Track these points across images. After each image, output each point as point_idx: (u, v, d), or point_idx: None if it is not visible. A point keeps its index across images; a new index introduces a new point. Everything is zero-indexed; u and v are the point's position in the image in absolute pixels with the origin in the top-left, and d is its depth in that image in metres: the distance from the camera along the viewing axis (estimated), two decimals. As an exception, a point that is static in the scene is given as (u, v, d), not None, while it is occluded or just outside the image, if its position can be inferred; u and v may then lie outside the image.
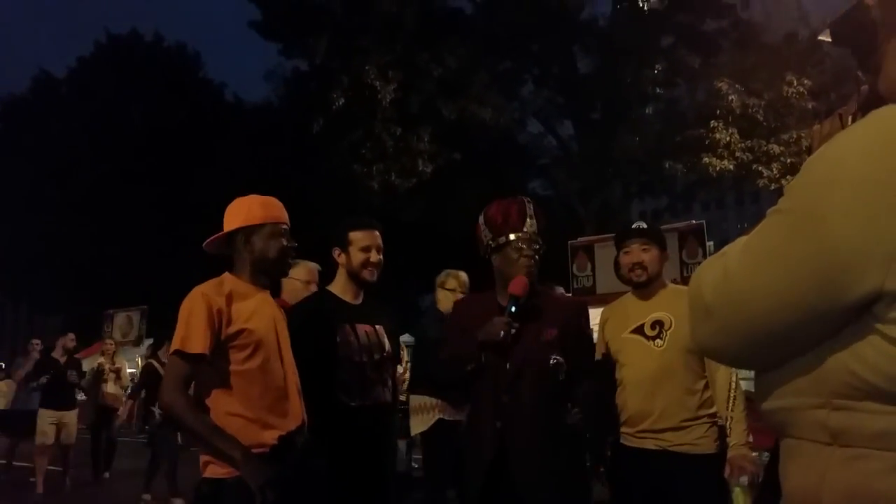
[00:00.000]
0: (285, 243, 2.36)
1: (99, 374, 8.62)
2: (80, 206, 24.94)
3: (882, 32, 0.93)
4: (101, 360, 8.93)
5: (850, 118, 0.99)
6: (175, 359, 2.14)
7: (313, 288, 3.84)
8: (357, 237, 2.81)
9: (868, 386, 0.80)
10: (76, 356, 8.40)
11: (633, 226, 2.88)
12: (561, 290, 4.06)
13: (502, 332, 2.34)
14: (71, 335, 8.35)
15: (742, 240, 0.93)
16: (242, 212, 2.36)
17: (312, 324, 2.60)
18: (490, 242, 2.53)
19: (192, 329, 2.12)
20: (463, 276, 4.36)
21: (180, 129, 25.40)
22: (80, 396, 8.66)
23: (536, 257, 2.50)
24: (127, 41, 29.26)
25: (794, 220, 0.84)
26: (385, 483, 2.75)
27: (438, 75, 16.47)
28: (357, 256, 2.79)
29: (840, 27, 1.02)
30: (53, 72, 30.07)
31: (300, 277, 3.88)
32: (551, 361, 2.39)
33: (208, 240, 2.39)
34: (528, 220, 2.49)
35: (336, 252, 2.85)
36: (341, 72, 16.22)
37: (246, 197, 2.42)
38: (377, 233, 2.85)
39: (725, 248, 0.96)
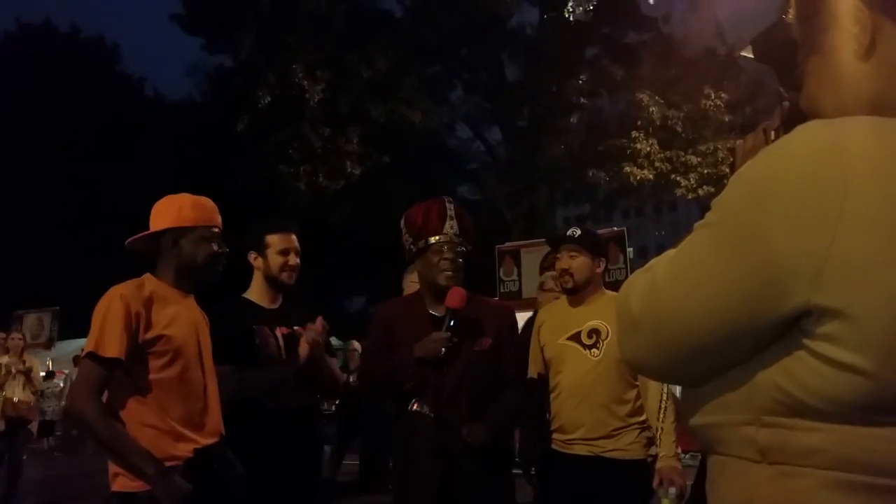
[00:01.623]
0: (216, 248, 2.24)
1: (3, 378, 7.04)
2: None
3: (803, 50, 0.94)
4: (6, 358, 7.26)
5: (772, 133, 1.02)
6: (88, 362, 2.00)
7: None
8: (274, 240, 2.72)
9: (796, 402, 0.80)
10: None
11: (568, 232, 2.88)
12: None
13: (443, 349, 2.26)
14: None
15: (669, 253, 0.92)
16: (172, 211, 2.23)
17: (227, 328, 2.49)
18: (411, 247, 2.44)
19: (107, 332, 1.99)
20: None
21: (97, 125, 24.30)
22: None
23: (460, 260, 2.40)
24: (40, 31, 27.77)
25: (723, 233, 0.84)
26: (309, 487, 2.68)
27: (367, 77, 16.33)
28: (275, 260, 2.71)
29: (761, 44, 1.05)
30: (-45, 60, 28.22)
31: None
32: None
33: (132, 238, 2.25)
34: (448, 221, 2.39)
35: (252, 256, 2.75)
36: (267, 69, 15.83)
37: (177, 195, 2.29)
38: (294, 235, 2.77)
39: (652, 262, 0.96)
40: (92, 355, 2.00)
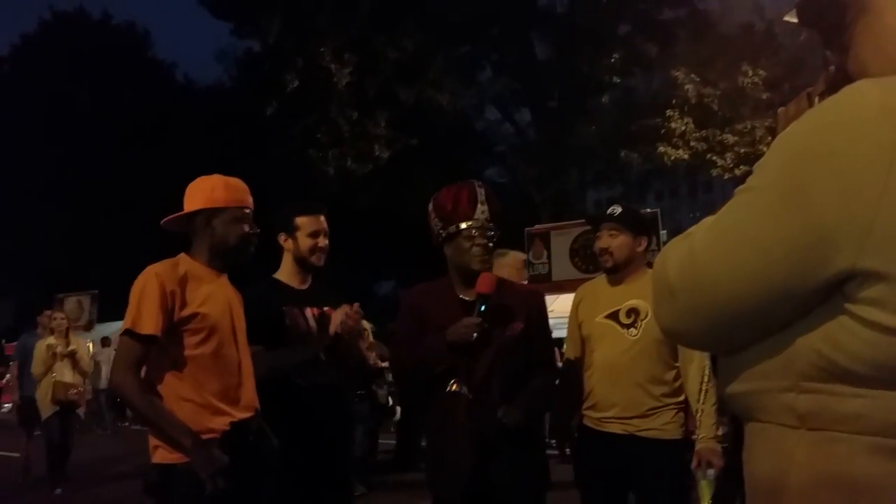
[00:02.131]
0: (247, 229, 2.29)
1: (50, 360, 6.61)
2: (28, 188, 24.21)
3: (851, 11, 0.90)
4: (51, 339, 6.75)
5: (817, 98, 0.97)
6: (126, 339, 2.09)
7: (524, 276, 4.00)
8: (304, 222, 2.74)
9: (837, 368, 0.78)
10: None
11: (609, 210, 2.81)
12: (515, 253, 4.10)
13: (474, 334, 2.25)
14: None
15: (708, 220, 0.90)
16: (205, 192, 2.27)
17: (258, 309, 2.52)
18: (441, 231, 2.40)
19: (144, 309, 2.06)
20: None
21: (129, 110, 24.76)
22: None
23: (490, 244, 2.39)
24: (73, 18, 28.38)
25: (766, 196, 0.81)
26: (341, 464, 2.72)
27: (395, 59, 16.31)
28: (305, 242, 2.73)
29: (807, 6, 0.99)
30: (-5, 49, 28.96)
31: (513, 265, 4.07)
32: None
33: (167, 218, 2.31)
34: (479, 205, 2.35)
35: (282, 237, 2.78)
36: (295, 53, 15.93)
37: (210, 176, 2.33)
38: (323, 217, 2.79)
39: (691, 229, 0.93)
40: (129, 332, 2.07)
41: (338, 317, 2.64)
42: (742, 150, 14.27)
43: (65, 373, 6.64)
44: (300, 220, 2.75)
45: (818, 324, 0.80)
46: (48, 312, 7.44)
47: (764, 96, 14.43)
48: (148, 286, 2.09)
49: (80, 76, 25.91)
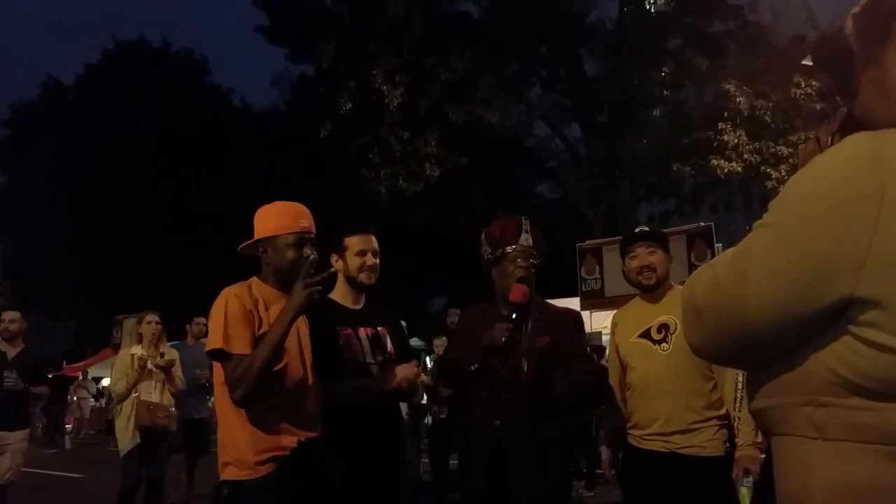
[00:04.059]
0: (296, 254, 2.32)
1: (138, 374, 5.15)
2: (90, 212, 25.10)
3: (858, 61, 1.00)
4: (138, 349, 5.27)
5: (829, 139, 1.07)
6: (223, 360, 2.16)
7: None
8: (352, 242, 2.83)
9: (847, 383, 0.88)
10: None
11: (636, 230, 2.92)
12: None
13: (503, 337, 2.54)
14: (11, 314, 5.38)
15: (730, 251, 1.02)
16: (260, 222, 2.39)
17: (314, 329, 2.60)
18: (489, 256, 2.76)
19: (231, 330, 2.14)
20: None
21: (188, 134, 25.56)
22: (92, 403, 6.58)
23: (532, 270, 2.70)
24: (134, 47, 29.47)
25: (775, 232, 0.94)
26: (396, 484, 2.78)
27: (445, 79, 16.53)
28: (353, 261, 2.81)
29: (820, 52, 1.10)
30: (62, 78, 30.34)
31: None
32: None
33: (242, 245, 2.43)
34: (523, 233, 2.71)
35: (333, 259, 2.86)
36: (348, 76, 16.30)
37: (267, 206, 2.43)
38: (373, 236, 2.86)
39: (715, 259, 1.06)
40: (222, 352, 2.15)
41: (400, 375, 2.70)
42: (797, 162, 13.87)
43: (152, 391, 5.20)
44: (349, 241, 2.83)
45: (828, 343, 0.91)
46: (197, 320, 6.35)
47: (818, 107, 14.07)
48: (230, 306, 2.17)
49: (140, 102, 26.85)
